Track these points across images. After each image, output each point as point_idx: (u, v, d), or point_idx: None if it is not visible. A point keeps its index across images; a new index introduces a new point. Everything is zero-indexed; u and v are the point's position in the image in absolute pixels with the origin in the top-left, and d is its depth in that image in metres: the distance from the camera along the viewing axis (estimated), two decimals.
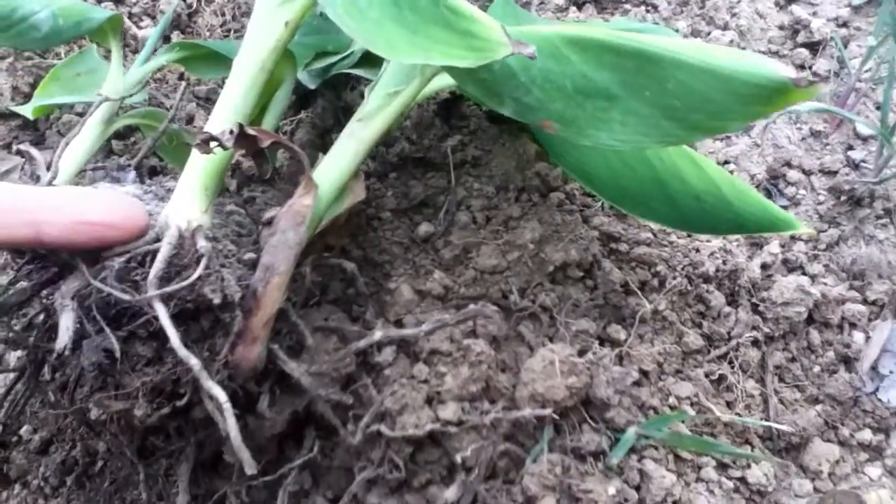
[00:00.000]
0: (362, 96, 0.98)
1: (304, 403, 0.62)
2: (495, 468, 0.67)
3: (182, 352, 0.48)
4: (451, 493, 0.66)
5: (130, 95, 0.77)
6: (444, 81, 0.72)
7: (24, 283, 0.61)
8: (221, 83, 1.10)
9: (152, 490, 0.64)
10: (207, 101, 1.08)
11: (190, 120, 1.01)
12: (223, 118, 0.59)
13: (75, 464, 0.74)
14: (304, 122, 0.99)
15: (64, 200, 0.49)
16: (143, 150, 0.69)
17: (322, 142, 0.97)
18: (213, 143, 0.51)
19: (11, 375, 0.72)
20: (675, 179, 0.72)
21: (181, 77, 1.13)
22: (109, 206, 0.51)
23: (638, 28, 0.85)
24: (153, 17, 1.21)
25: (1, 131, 1.04)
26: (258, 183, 0.93)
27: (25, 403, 0.71)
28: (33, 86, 1.06)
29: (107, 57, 0.98)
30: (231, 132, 0.51)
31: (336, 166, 0.63)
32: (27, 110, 0.93)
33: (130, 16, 1.20)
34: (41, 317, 0.63)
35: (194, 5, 1.20)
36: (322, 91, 0.97)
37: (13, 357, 0.83)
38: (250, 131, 0.52)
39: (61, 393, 0.65)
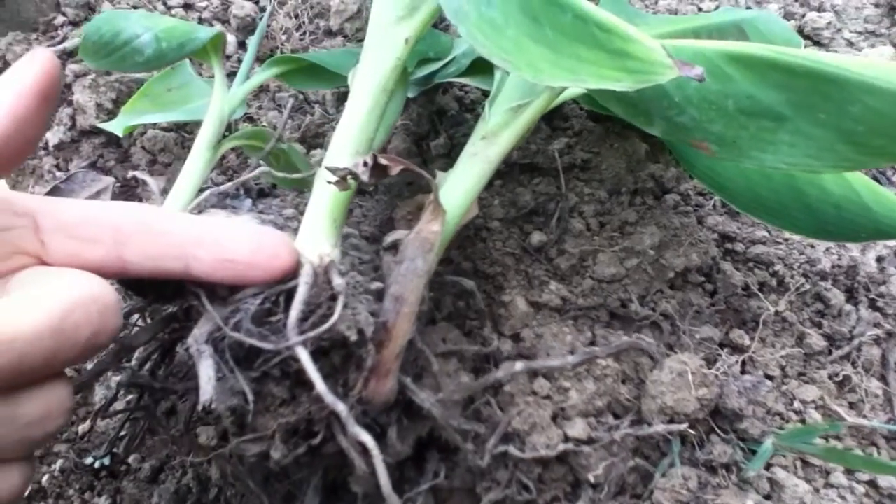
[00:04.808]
0: (456, 100, 0.97)
1: (428, 428, 0.60)
2: (623, 484, 0.66)
3: (329, 398, 0.46)
4: None
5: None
6: (574, 90, 0.69)
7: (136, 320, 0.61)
8: (298, 94, 1.09)
9: None
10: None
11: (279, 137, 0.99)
12: (348, 144, 0.56)
13: (189, 492, 0.73)
14: (398, 130, 0.97)
15: (212, 235, 0.47)
16: (250, 173, 0.67)
17: (418, 149, 0.95)
18: (349, 177, 0.49)
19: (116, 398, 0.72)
20: (814, 187, 0.68)
21: (258, 87, 1.11)
22: (257, 245, 0.48)
23: (742, 17, 0.81)
24: (224, 22, 1.19)
25: (85, 149, 1.03)
26: None
27: (143, 437, 0.70)
28: (116, 101, 1.05)
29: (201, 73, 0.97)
30: (365, 164, 0.49)
31: (462, 189, 0.60)
32: (117, 127, 0.92)
33: (200, 20, 1.18)
34: (157, 354, 0.62)
35: (267, 7, 1.17)
36: (415, 96, 0.95)
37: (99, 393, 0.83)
38: (383, 161, 0.50)
39: (181, 423, 0.65)
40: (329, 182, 0.50)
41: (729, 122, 0.53)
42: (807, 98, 0.51)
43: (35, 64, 0.43)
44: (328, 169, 0.50)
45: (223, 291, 0.50)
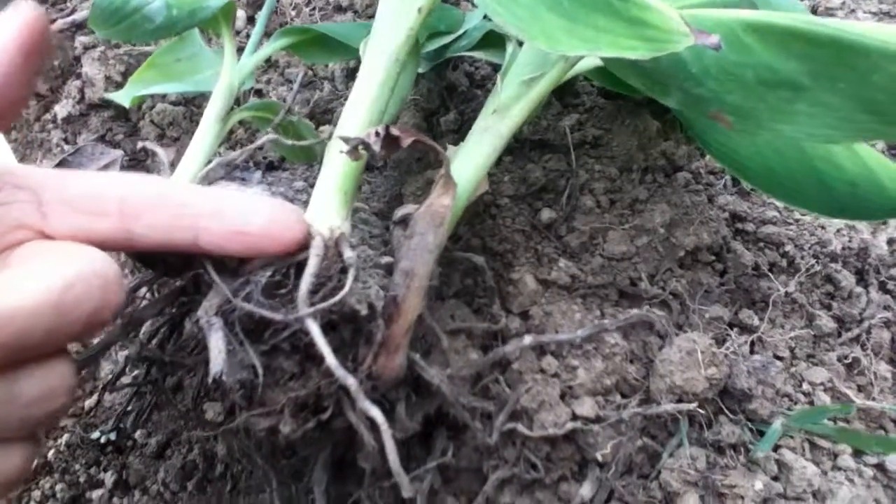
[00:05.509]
0: (466, 76, 0.97)
1: (436, 405, 0.60)
2: (630, 463, 0.65)
3: (340, 372, 0.46)
4: (586, 489, 0.64)
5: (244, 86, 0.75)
6: (587, 63, 0.68)
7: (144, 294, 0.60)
8: (311, 65, 1.08)
9: (282, 496, 0.63)
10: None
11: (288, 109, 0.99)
12: (360, 115, 0.56)
13: (195, 468, 0.73)
14: (408, 105, 0.96)
15: (224, 206, 0.46)
16: (258, 143, 0.66)
17: (428, 125, 0.94)
18: (361, 148, 0.49)
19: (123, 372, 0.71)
20: (829, 165, 0.67)
21: (267, 60, 1.11)
22: (271, 217, 0.47)
23: None
24: None
25: (94, 123, 1.03)
26: None
27: (149, 414, 0.70)
28: (125, 74, 1.05)
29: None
30: (377, 134, 0.49)
31: (472, 163, 0.60)
32: (124, 98, 0.91)
33: None
34: (166, 328, 0.62)
35: None
36: (425, 72, 0.94)
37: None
38: (395, 132, 0.49)
39: (189, 399, 0.64)
40: (341, 152, 0.50)
41: (747, 94, 0.52)
42: (827, 67, 0.50)
43: (16, 17, 0.41)
44: (340, 138, 0.49)
45: (232, 263, 0.50)
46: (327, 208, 0.54)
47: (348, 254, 0.51)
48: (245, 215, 0.46)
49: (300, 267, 0.49)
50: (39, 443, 0.43)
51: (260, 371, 0.48)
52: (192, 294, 0.57)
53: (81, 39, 1.09)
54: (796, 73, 0.51)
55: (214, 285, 0.49)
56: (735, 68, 0.52)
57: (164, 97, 1.03)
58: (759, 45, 0.52)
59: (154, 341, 0.61)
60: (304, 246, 0.50)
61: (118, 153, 0.98)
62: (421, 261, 0.54)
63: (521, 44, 0.68)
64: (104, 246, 0.42)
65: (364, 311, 0.50)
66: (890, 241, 0.83)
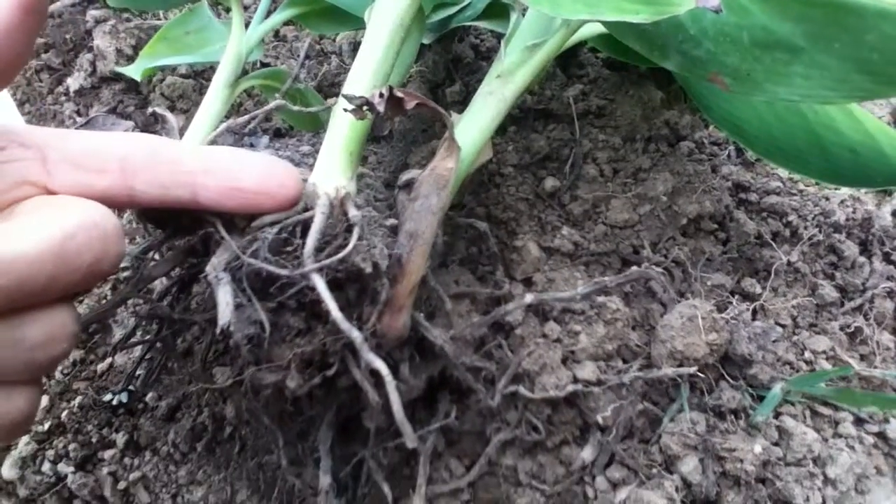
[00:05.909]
0: (472, 48, 0.97)
1: (440, 368, 0.61)
2: (631, 428, 0.66)
3: (344, 325, 0.47)
4: (587, 453, 0.65)
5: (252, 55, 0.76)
6: (588, 30, 0.68)
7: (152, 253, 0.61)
8: (319, 39, 1.09)
9: (289, 455, 0.64)
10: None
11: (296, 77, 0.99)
12: (364, 79, 0.57)
13: (204, 430, 0.74)
14: (414, 77, 0.97)
15: (219, 163, 0.47)
16: (266, 109, 0.67)
17: (434, 96, 0.95)
18: (365, 108, 0.50)
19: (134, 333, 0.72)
20: (829, 131, 0.68)
21: (276, 35, 1.11)
22: (265, 173, 0.49)
23: None
24: None
25: (105, 95, 1.04)
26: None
27: (160, 373, 0.71)
28: (136, 48, 1.06)
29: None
30: (381, 95, 0.49)
31: (476, 127, 0.60)
32: (135, 72, 0.92)
33: None
34: (175, 287, 0.63)
35: None
36: (430, 44, 0.95)
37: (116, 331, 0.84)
38: (398, 93, 0.50)
39: (198, 362, 0.65)
40: (345, 110, 0.51)
41: (744, 55, 0.53)
42: (823, 28, 0.51)
43: None
44: (345, 97, 0.50)
45: (241, 222, 0.51)
46: (333, 168, 0.54)
47: (353, 212, 0.52)
48: (240, 172, 0.48)
49: (307, 225, 0.50)
50: (40, 391, 0.45)
51: (267, 326, 0.48)
52: (202, 256, 0.57)
53: (93, 13, 1.10)
54: (792, 35, 0.51)
55: (223, 242, 0.50)
56: (732, 29, 0.53)
57: (174, 70, 1.04)
58: (755, 6, 0.52)
59: (164, 301, 0.62)
60: (303, 203, 0.51)
61: (129, 124, 0.99)
62: (425, 222, 0.55)
63: (524, 12, 0.68)
64: (107, 202, 0.44)
65: (369, 270, 0.51)
66: (894, 213, 0.84)
